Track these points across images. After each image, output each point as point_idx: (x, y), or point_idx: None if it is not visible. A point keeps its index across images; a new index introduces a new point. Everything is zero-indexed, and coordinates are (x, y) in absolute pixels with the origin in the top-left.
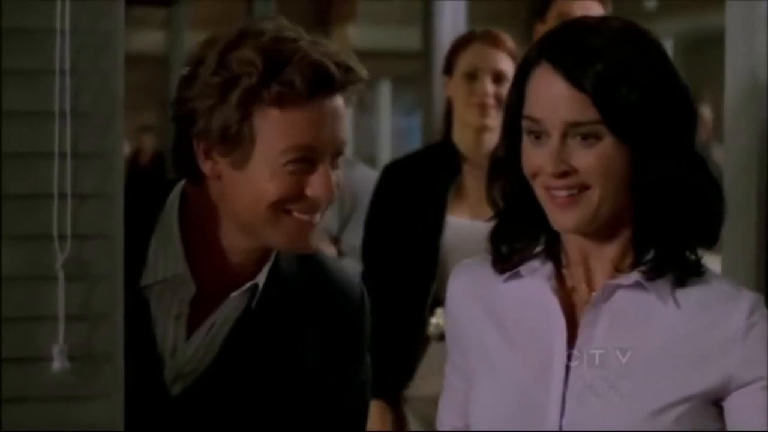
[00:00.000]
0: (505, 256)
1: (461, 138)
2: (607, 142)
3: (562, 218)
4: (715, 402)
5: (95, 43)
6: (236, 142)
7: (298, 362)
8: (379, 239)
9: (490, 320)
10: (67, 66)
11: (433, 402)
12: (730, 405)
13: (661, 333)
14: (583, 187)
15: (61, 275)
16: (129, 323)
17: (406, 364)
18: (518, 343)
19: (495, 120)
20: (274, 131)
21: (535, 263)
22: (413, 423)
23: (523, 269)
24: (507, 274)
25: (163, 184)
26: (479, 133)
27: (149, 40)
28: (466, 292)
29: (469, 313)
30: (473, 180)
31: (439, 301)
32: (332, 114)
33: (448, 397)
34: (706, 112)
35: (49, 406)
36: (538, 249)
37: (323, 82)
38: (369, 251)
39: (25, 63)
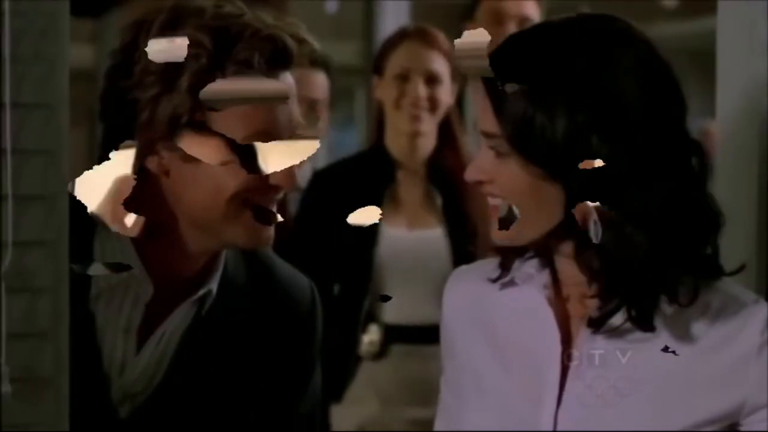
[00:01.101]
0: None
1: (394, 143)
2: (514, 160)
3: (493, 228)
4: (731, 426)
5: (39, 27)
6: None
7: (249, 371)
8: (305, 250)
9: (482, 334)
10: (8, 51)
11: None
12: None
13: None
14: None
15: (2, 287)
16: (73, 340)
17: (333, 388)
18: (510, 359)
19: (429, 124)
20: (231, 118)
21: (530, 269)
22: None
23: (517, 276)
24: (501, 282)
25: None
26: (412, 138)
27: (77, 54)
28: (459, 303)
29: (461, 327)
30: (408, 187)
31: (374, 317)
32: (288, 93)
33: (440, 409)
34: (713, 127)
35: None
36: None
37: (281, 57)
38: (294, 262)
39: None
